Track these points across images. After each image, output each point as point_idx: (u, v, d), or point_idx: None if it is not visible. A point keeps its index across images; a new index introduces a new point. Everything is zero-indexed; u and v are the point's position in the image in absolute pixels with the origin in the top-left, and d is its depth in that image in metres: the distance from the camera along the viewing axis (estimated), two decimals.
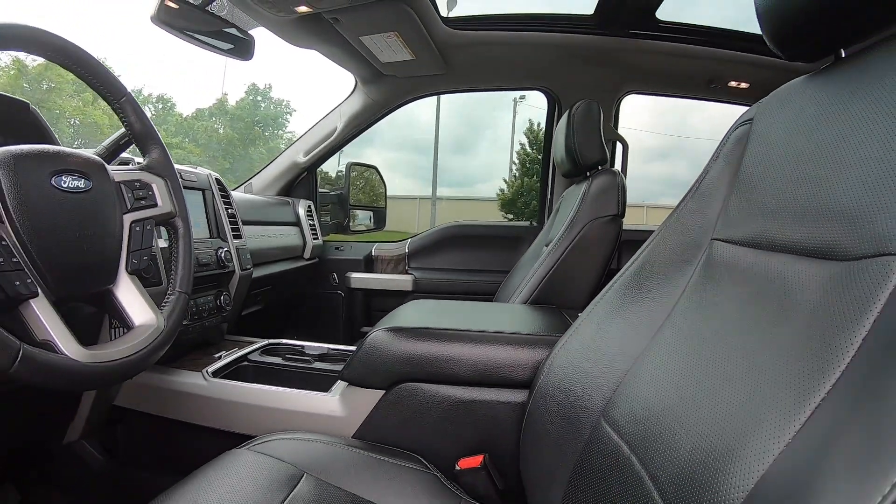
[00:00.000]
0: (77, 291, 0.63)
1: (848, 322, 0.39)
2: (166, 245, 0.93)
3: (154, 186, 0.77)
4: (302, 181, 2.12)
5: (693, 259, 0.66)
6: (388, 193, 2.49)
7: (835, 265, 0.44)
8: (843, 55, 0.57)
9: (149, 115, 0.88)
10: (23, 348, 0.51)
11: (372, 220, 2.45)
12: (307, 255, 1.97)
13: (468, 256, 2.12)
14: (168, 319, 0.71)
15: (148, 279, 0.92)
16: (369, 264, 2.16)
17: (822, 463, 0.31)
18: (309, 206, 2.04)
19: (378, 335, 0.93)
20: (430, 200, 16.39)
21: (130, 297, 0.69)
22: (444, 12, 1.58)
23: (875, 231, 0.41)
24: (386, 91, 1.89)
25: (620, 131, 2.03)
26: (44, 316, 0.56)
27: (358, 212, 2.39)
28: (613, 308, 0.71)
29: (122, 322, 0.68)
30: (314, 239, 2.01)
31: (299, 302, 2.12)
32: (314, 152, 1.98)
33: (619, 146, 2.03)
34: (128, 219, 0.71)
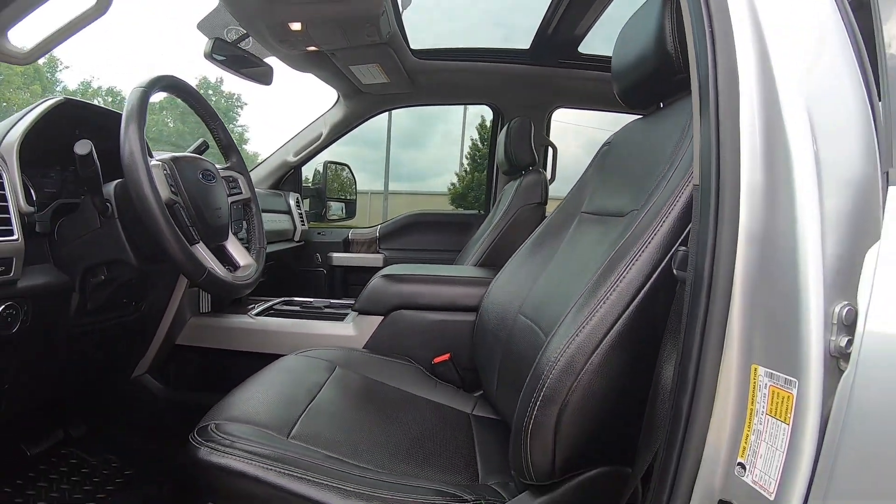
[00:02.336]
0: (213, 243, 1.06)
1: (614, 244, 0.87)
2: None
3: (238, 180, 1.20)
4: (289, 177, 2.52)
5: (570, 224, 1.15)
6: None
7: (619, 219, 0.93)
8: (662, 106, 1.06)
9: None
10: (208, 270, 0.93)
11: (344, 211, 2.87)
12: (296, 238, 2.38)
13: (429, 239, 2.59)
14: (258, 261, 1.14)
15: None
16: (347, 246, 2.59)
17: (575, 297, 0.80)
18: (297, 198, 2.45)
19: (377, 281, 1.39)
20: (380, 195, 16.61)
21: (235, 249, 1.12)
22: (400, 6, 2.01)
23: (634, 201, 0.90)
24: (363, 104, 2.33)
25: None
26: (206, 254, 0.99)
27: (332, 203, 2.80)
28: (526, 256, 1.20)
29: (232, 265, 1.10)
30: (302, 225, 2.42)
31: (290, 276, 2.53)
32: (303, 153, 2.39)
33: (550, 150, 2.54)
34: (229, 200, 1.14)
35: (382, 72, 1.98)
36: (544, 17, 2.02)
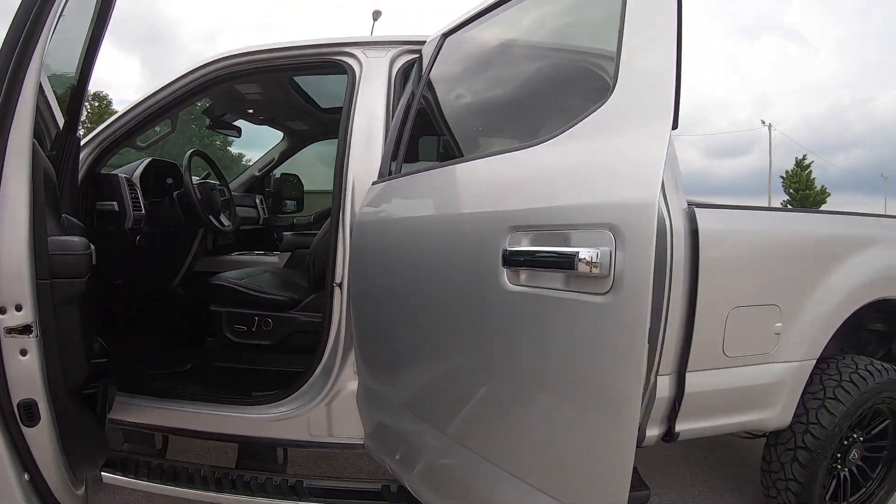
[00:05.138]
0: (214, 216, 2.59)
1: None
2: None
3: (224, 190, 2.74)
4: (255, 183, 4.03)
5: None
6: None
7: None
8: None
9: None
10: (215, 225, 2.48)
11: (295, 206, 4.38)
12: (260, 222, 3.89)
13: None
14: (234, 224, 2.69)
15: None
16: (293, 228, 4.11)
17: None
18: (261, 197, 3.96)
19: (287, 236, 2.94)
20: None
21: (224, 219, 2.65)
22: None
23: None
24: (298, 140, 3.86)
25: None
26: (213, 219, 2.52)
27: (287, 201, 4.31)
28: None
29: (223, 224, 2.64)
30: (264, 214, 3.93)
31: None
32: (264, 169, 3.91)
33: None
34: (220, 199, 2.67)
35: (306, 124, 3.53)
36: None
